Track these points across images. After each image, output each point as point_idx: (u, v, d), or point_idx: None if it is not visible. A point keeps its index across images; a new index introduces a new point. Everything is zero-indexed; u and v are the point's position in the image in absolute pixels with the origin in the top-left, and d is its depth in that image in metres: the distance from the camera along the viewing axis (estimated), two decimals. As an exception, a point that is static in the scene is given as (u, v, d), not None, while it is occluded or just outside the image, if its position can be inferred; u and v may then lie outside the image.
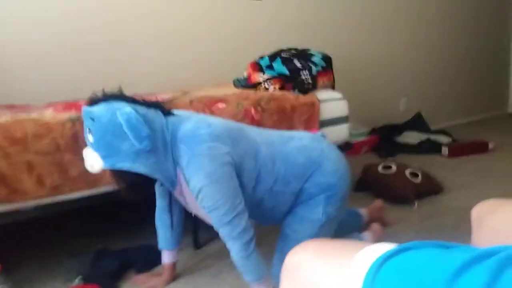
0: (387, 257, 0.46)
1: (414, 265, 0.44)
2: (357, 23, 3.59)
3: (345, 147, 2.27)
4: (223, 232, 1.23)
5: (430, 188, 2.40)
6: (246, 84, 2.18)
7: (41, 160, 1.37)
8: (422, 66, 4.20)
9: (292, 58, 2.12)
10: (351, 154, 3.22)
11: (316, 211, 1.37)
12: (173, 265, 1.55)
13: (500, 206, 0.80)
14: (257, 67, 2.14)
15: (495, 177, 2.70)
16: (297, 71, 2.08)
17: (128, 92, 2.11)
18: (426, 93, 4.27)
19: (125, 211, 2.25)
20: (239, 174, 1.26)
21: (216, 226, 1.24)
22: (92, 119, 1.12)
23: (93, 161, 1.14)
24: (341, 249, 0.55)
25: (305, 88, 2.07)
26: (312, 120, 2.02)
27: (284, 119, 1.92)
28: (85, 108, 1.16)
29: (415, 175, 2.36)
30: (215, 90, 2.18)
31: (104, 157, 1.13)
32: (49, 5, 2.22)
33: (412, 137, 3.54)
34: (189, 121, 1.25)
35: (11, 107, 1.84)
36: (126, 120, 1.10)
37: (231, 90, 2.09)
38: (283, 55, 2.15)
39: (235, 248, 1.23)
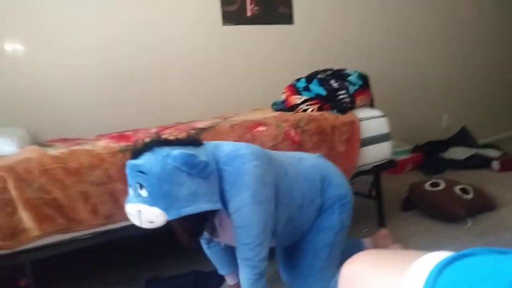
0: (445, 264, 0.45)
1: (475, 271, 0.43)
2: (396, 41, 3.57)
3: (389, 165, 2.22)
4: (243, 254, 1.25)
5: (483, 205, 2.29)
6: (284, 107, 2.20)
7: (95, 190, 1.43)
8: (464, 81, 4.08)
9: (328, 78, 2.13)
10: (395, 172, 3.13)
11: (331, 219, 1.43)
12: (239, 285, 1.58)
13: None
14: (294, 89, 2.16)
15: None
16: (334, 91, 2.08)
17: (170, 121, 2.21)
18: (469, 108, 4.12)
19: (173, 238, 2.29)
20: (276, 192, 1.28)
21: (238, 245, 1.26)
22: (143, 173, 1.07)
23: (153, 217, 1.08)
24: (398, 258, 0.54)
25: (343, 108, 2.06)
26: (353, 139, 2.00)
27: (324, 139, 1.92)
28: (130, 163, 1.11)
29: (465, 191, 2.26)
30: (253, 114, 2.21)
31: (166, 209, 1.07)
32: (96, 48, 2.38)
33: (458, 153, 3.41)
34: (224, 145, 1.27)
35: (64, 140, 1.95)
36: (182, 163, 1.08)
37: (270, 114, 2.12)
38: (320, 76, 2.16)
39: (247, 275, 1.26)
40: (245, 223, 1.20)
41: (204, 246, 1.55)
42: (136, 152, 1.14)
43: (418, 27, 3.71)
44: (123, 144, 1.61)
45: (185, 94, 2.68)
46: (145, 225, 1.11)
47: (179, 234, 1.22)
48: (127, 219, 1.49)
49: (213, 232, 1.29)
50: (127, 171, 1.12)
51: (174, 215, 1.09)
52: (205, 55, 2.73)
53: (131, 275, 1.86)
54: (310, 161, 1.48)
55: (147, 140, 1.17)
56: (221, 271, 1.58)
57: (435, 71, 3.86)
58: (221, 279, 1.74)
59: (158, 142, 1.16)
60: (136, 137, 1.76)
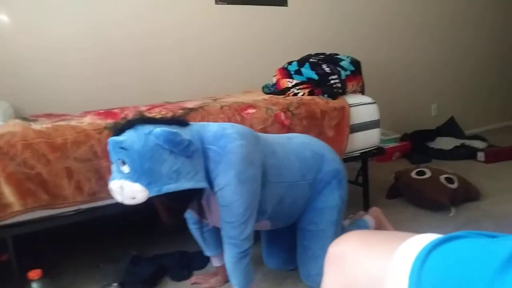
0: (434, 246, 0.45)
1: (463, 253, 0.43)
2: (387, 28, 3.55)
3: (377, 153, 2.23)
4: (227, 233, 1.25)
5: (467, 194, 2.32)
6: (275, 90, 2.18)
7: (79, 166, 1.41)
8: (454, 71, 4.10)
9: (320, 63, 2.11)
10: (382, 160, 3.16)
11: (333, 197, 1.46)
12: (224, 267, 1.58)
13: None
14: (285, 72, 2.14)
15: (535, 182, 2.59)
16: (326, 75, 2.07)
17: (158, 100, 2.17)
18: (458, 98, 4.16)
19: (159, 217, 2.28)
20: (264, 171, 1.28)
21: (222, 223, 1.25)
22: (125, 149, 1.08)
23: (135, 192, 1.08)
24: (386, 239, 0.54)
25: (334, 93, 2.05)
26: (342, 125, 1.99)
27: (314, 124, 1.91)
28: (112, 139, 1.10)
29: (450, 180, 2.29)
30: (244, 96, 2.19)
31: (148, 185, 1.08)
32: (82, 19, 2.32)
33: (445, 143, 3.45)
34: (211, 126, 1.27)
35: (49, 115, 1.91)
36: (164, 140, 1.08)
37: (260, 96, 2.10)
38: (312, 60, 2.14)
39: (231, 253, 1.27)
40: (229, 202, 1.20)
41: (191, 227, 1.55)
42: (118, 130, 1.14)
43: (413, 17, 3.70)
44: (109, 121, 1.58)
45: (175, 73, 2.63)
46: (127, 201, 1.11)
47: (161, 212, 1.23)
48: (111, 196, 1.49)
49: (201, 213, 1.29)
50: (109, 147, 1.12)
51: (155, 192, 1.09)
52: (196, 34, 2.68)
53: (116, 253, 1.85)
54: (299, 138, 1.52)
55: (129, 118, 1.16)
56: (207, 252, 1.59)
57: (425, 60, 3.86)
58: (206, 259, 1.74)
59: (141, 120, 1.15)
60: (123, 114, 1.73)
